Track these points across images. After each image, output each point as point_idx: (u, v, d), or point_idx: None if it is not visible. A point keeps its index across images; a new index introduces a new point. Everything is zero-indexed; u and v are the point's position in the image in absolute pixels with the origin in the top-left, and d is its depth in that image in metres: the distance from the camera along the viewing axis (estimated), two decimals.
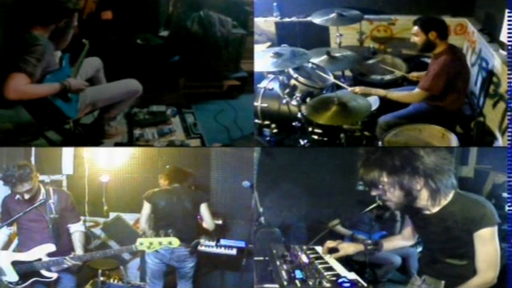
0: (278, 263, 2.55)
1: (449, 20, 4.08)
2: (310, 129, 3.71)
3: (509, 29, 3.01)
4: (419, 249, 3.18)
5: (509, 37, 3.02)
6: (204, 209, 3.43)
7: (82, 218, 3.27)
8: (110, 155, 3.89)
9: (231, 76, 4.24)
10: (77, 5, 3.11)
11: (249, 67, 3.97)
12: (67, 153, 3.92)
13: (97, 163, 3.91)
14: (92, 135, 3.52)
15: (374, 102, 3.65)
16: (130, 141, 3.59)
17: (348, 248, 2.71)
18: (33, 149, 3.71)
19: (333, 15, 4.13)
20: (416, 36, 3.42)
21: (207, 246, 3.61)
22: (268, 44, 4.58)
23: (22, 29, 2.94)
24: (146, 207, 3.39)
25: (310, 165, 3.93)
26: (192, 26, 4.01)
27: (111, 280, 3.60)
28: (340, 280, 2.30)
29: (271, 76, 3.94)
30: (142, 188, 3.53)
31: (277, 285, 2.36)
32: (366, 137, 3.71)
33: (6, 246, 3.17)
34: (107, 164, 3.90)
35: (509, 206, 2.92)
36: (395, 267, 3.59)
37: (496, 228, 2.17)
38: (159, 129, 3.68)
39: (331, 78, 3.82)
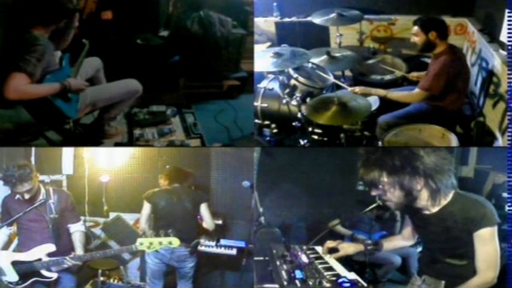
0: (278, 263, 2.55)
1: (449, 20, 4.07)
2: (310, 129, 3.71)
3: (509, 29, 3.01)
4: (419, 249, 3.18)
5: (509, 37, 3.02)
6: (204, 209, 3.43)
7: (82, 218, 3.27)
8: (110, 155, 3.89)
9: (231, 76, 4.24)
10: (77, 5, 3.11)
11: (249, 67, 3.97)
12: (67, 153, 3.92)
13: (97, 163, 3.91)
14: (92, 135, 3.52)
15: (374, 102, 3.65)
16: (130, 141, 3.59)
17: (348, 248, 2.71)
18: (33, 149, 3.71)
19: (333, 15, 4.13)
20: (416, 36, 3.42)
21: (207, 246, 3.61)
22: (268, 44, 4.58)
23: (22, 28, 2.94)
24: (146, 207, 3.39)
25: (310, 165, 3.93)
26: (192, 26, 4.01)
27: (111, 280, 3.60)
28: (340, 280, 2.29)
29: (271, 76, 3.94)
30: (142, 188, 3.53)
31: (277, 285, 2.36)
32: (366, 137, 3.71)
33: (6, 246, 3.17)
34: (107, 164, 3.90)
35: (509, 206, 2.92)
36: (395, 267, 3.59)
37: (495, 228, 2.17)
38: (159, 129, 3.68)
39: (331, 78, 3.82)
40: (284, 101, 3.64)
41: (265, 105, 3.84)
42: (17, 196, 2.99)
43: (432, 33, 3.35)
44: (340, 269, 2.52)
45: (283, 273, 2.41)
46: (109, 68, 3.55)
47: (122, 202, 3.95)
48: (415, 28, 3.41)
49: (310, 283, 2.28)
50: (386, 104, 3.59)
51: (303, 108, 3.56)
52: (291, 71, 3.77)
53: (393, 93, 3.58)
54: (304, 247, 2.84)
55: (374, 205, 2.67)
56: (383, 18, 4.62)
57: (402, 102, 3.54)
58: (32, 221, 3.03)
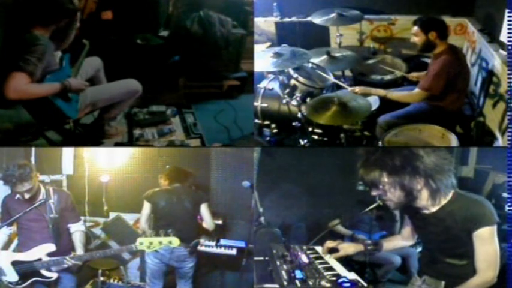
0: (278, 263, 2.55)
1: (449, 20, 4.07)
2: (310, 129, 3.71)
3: (509, 29, 3.01)
4: (419, 249, 3.18)
5: (509, 37, 3.02)
6: (204, 210, 3.43)
7: (82, 218, 3.26)
8: (110, 155, 3.89)
9: (231, 76, 4.24)
10: (77, 6, 3.10)
11: (249, 67, 3.97)
12: (67, 153, 3.93)
13: (97, 163, 3.91)
14: (92, 135, 3.52)
15: (374, 102, 3.65)
16: (130, 141, 3.59)
17: (347, 248, 2.71)
18: (33, 149, 3.71)
19: (333, 15, 4.13)
20: (416, 36, 3.42)
21: (207, 246, 3.61)
22: (268, 44, 4.58)
23: (23, 28, 2.94)
24: (146, 207, 3.39)
25: (310, 165, 3.93)
26: (192, 26, 4.01)
27: (111, 280, 3.60)
28: (340, 280, 2.29)
29: (271, 76, 3.94)
30: (142, 188, 3.53)
31: (277, 285, 2.35)
32: (366, 137, 3.71)
33: (6, 246, 3.17)
34: (107, 164, 3.90)
35: (509, 206, 2.92)
36: (395, 267, 3.59)
37: (495, 227, 2.17)
38: (159, 129, 3.68)
39: (331, 78, 3.82)
40: (284, 101, 3.64)
41: (265, 105, 3.84)
42: (17, 196, 2.99)
43: (432, 33, 3.35)
44: (340, 269, 2.52)
45: (283, 273, 2.41)
46: (109, 68, 3.55)
47: (122, 202, 3.95)
48: (415, 28, 3.41)
49: (310, 283, 2.28)
50: (387, 104, 3.59)
51: (303, 108, 3.56)
52: (291, 71, 3.77)
53: (393, 93, 3.58)
54: (304, 247, 2.84)
55: (374, 205, 2.67)
56: (383, 18, 4.62)
57: (402, 102, 3.54)
58: (32, 221, 3.03)
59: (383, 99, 3.62)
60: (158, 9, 4.15)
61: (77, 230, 3.12)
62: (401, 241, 2.72)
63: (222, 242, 3.66)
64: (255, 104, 3.85)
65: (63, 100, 3.07)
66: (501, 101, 3.39)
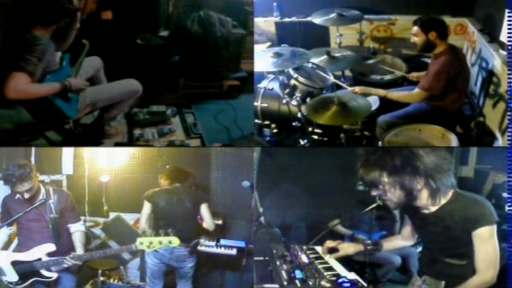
0: (278, 263, 2.55)
1: (449, 20, 4.07)
2: (310, 129, 3.71)
3: (509, 29, 3.01)
4: (419, 249, 3.18)
5: (509, 37, 3.02)
6: (204, 210, 3.43)
7: (82, 218, 3.26)
8: (110, 155, 3.89)
9: (231, 76, 4.24)
10: (77, 6, 3.10)
11: (249, 67, 3.97)
12: (67, 153, 3.92)
13: (97, 163, 3.91)
14: (92, 135, 3.53)
15: (374, 102, 3.65)
16: (130, 141, 3.59)
17: (347, 248, 2.71)
18: (33, 149, 3.71)
19: (333, 15, 4.13)
20: (416, 36, 3.42)
21: (207, 246, 3.61)
22: (268, 44, 4.58)
23: (23, 28, 2.94)
24: (146, 207, 3.39)
25: (310, 165, 3.93)
26: (192, 26, 4.01)
27: (111, 280, 3.60)
28: (340, 280, 2.29)
29: (271, 76, 3.94)
30: (142, 188, 3.53)
31: (277, 285, 2.35)
32: (366, 137, 3.71)
33: (6, 246, 3.17)
34: (107, 164, 3.90)
35: (509, 206, 2.92)
36: (395, 267, 3.59)
37: (494, 227, 2.17)
38: (159, 129, 3.68)
39: (331, 78, 3.82)
40: (284, 101, 3.64)
41: (265, 105, 3.84)
42: (17, 196, 3.00)
43: (432, 34, 3.35)
44: (340, 269, 2.52)
45: (283, 273, 2.41)
46: (109, 68, 3.56)
47: (122, 202, 3.95)
48: (415, 28, 3.41)
49: (310, 283, 2.28)
50: (387, 104, 3.59)
51: (303, 108, 3.56)
52: (291, 71, 3.77)
53: (393, 93, 3.58)
54: (304, 247, 2.84)
55: (374, 205, 2.67)
56: (383, 18, 4.62)
57: (402, 102, 3.54)
58: (32, 221, 3.03)
59: (383, 99, 3.62)
60: (158, 9, 4.15)
61: (77, 230, 3.12)
62: (401, 241, 2.72)
63: (222, 242, 3.66)
64: (255, 104, 3.85)
65: (63, 100, 3.07)
66: (501, 101, 3.39)
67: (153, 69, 3.92)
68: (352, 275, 2.39)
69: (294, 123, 3.63)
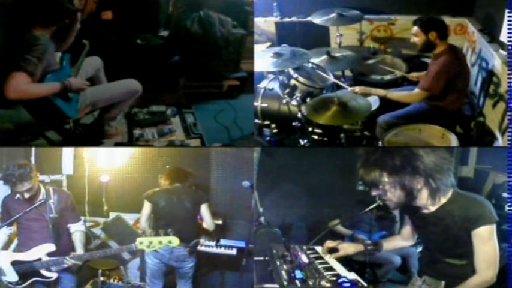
0: (278, 263, 2.55)
1: (449, 20, 4.08)
2: (310, 129, 3.71)
3: (509, 29, 3.01)
4: (419, 249, 3.18)
5: (509, 37, 3.02)
6: (204, 210, 3.42)
7: (82, 218, 3.26)
8: (110, 155, 3.89)
9: (231, 76, 4.24)
10: (77, 6, 3.10)
11: (249, 67, 3.97)
12: (67, 153, 3.93)
13: (97, 163, 3.91)
14: (92, 135, 3.53)
15: (374, 102, 3.65)
16: (130, 141, 3.59)
17: (347, 248, 2.71)
18: (33, 149, 3.71)
19: (333, 15, 4.13)
20: (416, 36, 3.42)
21: (207, 246, 3.62)
22: (268, 44, 4.58)
23: (23, 28, 2.94)
24: (147, 207, 3.38)
25: (310, 165, 3.93)
26: (192, 26, 4.01)
27: (111, 280, 3.60)
28: (340, 280, 2.29)
29: (271, 76, 3.94)
30: (142, 188, 3.53)
31: (277, 285, 2.35)
32: (366, 137, 3.71)
33: (6, 246, 3.16)
34: (107, 164, 3.90)
35: (509, 206, 2.92)
36: (395, 267, 3.59)
37: (494, 226, 2.16)
38: (159, 129, 3.68)
39: (331, 78, 3.82)
40: (284, 101, 3.64)
41: (265, 105, 3.84)
42: (17, 196, 3.00)
43: (432, 34, 3.35)
44: (340, 269, 2.52)
45: (283, 273, 2.41)
46: (109, 68, 3.56)
47: (122, 202, 3.95)
48: (415, 28, 3.41)
49: (310, 283, 2.28)
50: (387, 104, 3.59)
51: (303, 108, 3.56)
52: (291, 71, 3.77)
53: (393, 93, 3.58)
54: (304, 247, 2.84)
55: (374, 205, 2.67)
56: (383, 18, 4.63)
57: (402, 102, 3.54)
58: (32, 221, 3.03)
59: (383, 99, 3.62)
60: (158, 9, 4.16)
61: (77, 230, 3.12)
62: (401, 241, 2.72)
63: (222, 242, 3.66)
64: (255, 104, 3.85)
65: (63, 100, 3.07)
66: (501, 101, 3.39)
67: (153, 69, 3.92)
68: (352, 275, 2.39)
69: (294, 123, 3.63)
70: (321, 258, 2.68)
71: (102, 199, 3.91)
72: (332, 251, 2.71)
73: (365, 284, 2.29)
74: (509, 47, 3.04)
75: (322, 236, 2.91)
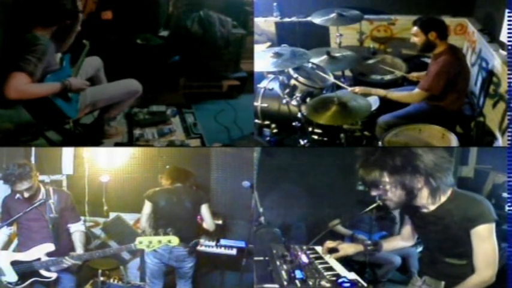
0: (278, 263, 2.55)
1: (449, 20, 4.08)
2: (310, 129, 3.71)
3: (509, 29, 3.01)
4: (419, 249, 3.18)
5: (509, 37, 3.02)
6: (205, 210, 3.42)
7: (82, 218, 3.26)
8: (110, 155, 3.89)
9: (231, 76, 4.24)
10: (78, 7, 3.10)
11: (249, 67, 3.97)
12: (67, 153, 3.92)
13: (97, 163, 3.91)
14: (92, 135, 3.53)
15: (374, 102, 3.65)
16: (130, 141, 3.59)
17: (347, 249, 2.71)
18: (33, 149, 3.71)
19: (333, 15, 4.13)
20: (416, 36, 3.42)
21: (207, 246, 3.62)
22: (268, 44, 4.58)
23: (23, 28, 2.94)
24: (147, 206, 3.38)
25: (310, 165, 3.93)
26: (192, 26, 4.01)
27: (111, 280, 3.60)
28: (340, 280, 2.29)
29: (271, 76, 3.94)
30: (142, 188, 3.52)
31: (277, 285, 2.35)
32: (366, 137, 3.71)
33: (6, 246, 3.16)
34: (107, 164, 3.90)
35: (509, 206, 2.92)
36: (395, 267, 3.59)
37: (493, 225, 2.16)
38: (159, 129, 3.68)
39: (331, 78, 3.82)
40: (284, 101, 3.64)
41: (265, 105, 3.84)
42: (17, 195, 3.00)
43: (432, 34, 3.35)
44: (340, 269, 2.52)
45: (283, 273, 2.41)
46: (109, 68, 3.56)
47: (122, 202, 3.95)
48: (415, 28, 3.41)
49: (310, 283, 2.28)
50: (387, 104, 3.59)
51: (303, 108, 3.56)
52: (291, 71, 3.77)
53: (393, 93, 3.58)
54: (304, 247, 2.84)
55: (374, 205, 2.66)
56: (383, 18, 4.63)
57: (402, 102, 3.54)
58: (32, 221, 3.03)
59: (383, 99, 3.62)
60: (158, 9, 4.16)
61: (77, 230, 3.12)
62: (401, 242, 2.72)
63: (222, 242, 3.66)
64: (255, 104, 3.85)
65: (63, 100, 3.07)
66: (501, 101, 3.39)
67: (153, 69, 3.92)
68: (352, 275, 2.39)
69: (294, 123, 3.63)
70: (321, 258, 2.68)
71: (102, 199, 3.90)
72: (332, 251, 2.71)
73: (365, 284, 2.29)
74: (509, 47, 3.04)
75: (322, 236, 2.91)
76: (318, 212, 3.86)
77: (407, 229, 2.64)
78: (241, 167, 3.79)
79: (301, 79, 3.75)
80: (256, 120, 3.88)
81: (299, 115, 3.59)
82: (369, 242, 2.73)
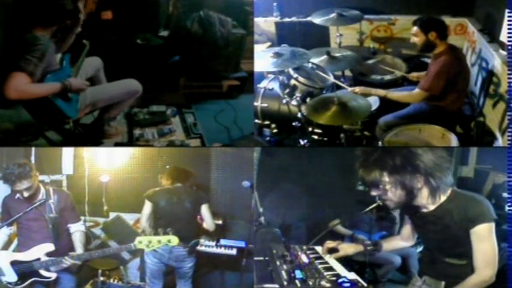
0: (278, 263, 2.55)
1: (449, 20, 4.08)
2: (310, 129, 3.71)
3: (509, 29, 3.01)
4: (419, 249, 3.18)
5: (509, 37, 3.01)
6: (205, 210, 3.42)
7: (82, 218, 3.26)
8: (110, 155, 3.89)
9: (231, 76, 4.24)
10: (79, 8, 3.10)
11: (249, 67, 3.98)
12: (67, 153, 3.93)
13: (97, 163, 3.91)
14: (92, 135, 3.53)
15: (374, 102, 3.65)
16: (130, 141, 3.59)
17: (347, 249, 2.71)
18: (33, 149, 3.71)
19: (333, 15, 4.13)
20: (416, 36, 3.42)
21: (207, 246, 3.61)
22: (268, 44, 4.59)
23: (23, 28, 2.94)
24: (147, 206, 3.38)
25: (310, 165, 3.93)
26: (192, 26, 4.01)
27: (111, 280, 3.60)
28: (340, 280, 2.29)
29: (271, 76, 3.94)
30: (142, 188, 3.52)
31: (277, 285, 2.35)
32: (366, 137, 3.71)
33: (6, 246, 3.16)
34: (107, 164, 3.90)
35: (509, 206, 2.92)
36: (396, 267, 3.59)
37: (493, 224, 2.16)
38: (159, 129, 3.68)
39: (331, 78, 3.82)
40: (284, 101, 3.64)
41: (265, 105, 3.84)
42: (17, 195, 3.00)
43: (432, 34, 3.35)
44: (340, 269, 2.52)
45: (283, 273, 2.41)
46: (109, 68, 3.56)
47: (122, 202, 3.95)
48: (415, 28, 3.41)
49: (310, 283, 2.28)
50: (387, 104, 3.59)
51: (303, 108, 3.56)
52: (291, 71, 3.77)
53: (393, 93, 3.58)
54: (304, 247, 2.84)
55: (374, 205, 2.66)
56: (383, 18, 4.63)
57: (402, 103, 3.54)
58: (32, 221, 3.03)
59: (383, 99, 3.62)
60: (158, 9, 4.16)
61: (76, 230, 3.12)
62: (401, 242, 2.73)
63: (222, 242, 3.66)
64: (255, 104, 3.85)
65: (63, 100, 3.07)
66: (501, 101, 3.39)
67: (153, 69, 3.92)
68: (352, 275, 2.39)
69: (294, 123, 3.63)
70: (321, 258, 2.68)
71: (102, 199, 3.90)
72: (332, 251, 2.71)
73: (365, 284, 2.29)
74: (509, 47, 3.04)
75: (322, 236, 2.91)
76: (318, 212, 3.86)
77: (407, 229, 2.64)
78: (241, 167, 3.79)
79: (301, 79, 3.75)
80: (256, 120, 3.88)
81: (299, 115, 3.59)
82: (369, 242, 2.73)
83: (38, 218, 3.02)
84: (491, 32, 3.85)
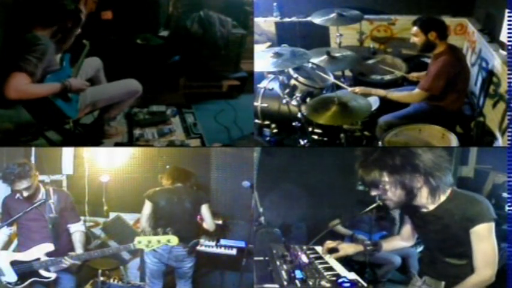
0: (278, 263, 2.55)
1: (449, 20, 4.08)
2: (310, 129, 3.71)
3: (509, 29, 3.01)
4: (419, 249, 3.18)
5: (509, 37, 3.01)
6: (205, 210, 3.42)
7: (82, 218, 3.26)
8: (110, 155, 3.89)
9: (231, 76, 4.24)
10: (80, 8, 3.09)
11: (249, 67, 3.98)
12: (67, 153, 3.93)
13: (97, 163, 3.91)
14: (92, 135, 3.53)
15: (374, 102, 3.65)
16: (130, 141, 3.59)
17: (347, 249, 2.71)
18: (33, 149, 3.72)
19: (333, 15, 4.13)
20: (416, 36, 3.42)
21: (207, 246, 3.61)
22: (268, 44, 4.59)
23: (23, 28, 2.94)
24: (147, 206, 3.38)
25: (310, 165, 3.93)
26: (192, 26, 4.01)
27: (111, 280, 3.60)
28: (340, 280, 2.29)
29: (271, 76, 3.94)
30: (142, 188, 3.52)
31: (277, 285, 2.35)
32: (366, 137, 3.71)
33: (6, 246, 3.16)
34: (107, 164, 3.90)
35: (509, 206, 2.92)
36: (395, 267, 3.59)
37: (492, 224, 2.16)
38: (159, 129, 3.68)
39: (331, 78, 3.82)
40: (284, 101, 3.64)
41: (265, 105, 3.84)
42: (17, 195, 3.00)
43: (432, 34, 3.35)
44: (340, 269, 2.52)
45: (283, 273, 2.41)
46: (109, 68, 3.56)
47: (122, 202, 3.95)
48: (415, 28, 3.41)
49: (310, 283, 2.28)
50: (387, 104, 3.59)
51: (303, 108, 3.56)
52: (291, 71, 3.77)
53: (393, 93, 3.58)
54: (304, 247, 2.83)
55: (374, 205, 2.66)
56: (383, 18, 4.63)
57: (402, 103, 3.54)
58: (32, 221, 3.03)
59: (383, 99, 3.62)
60: (158, 9, 4.16)
61: (76, 230, 3.12)
62: (401, 242, 2.72)
63: (222, 242, 3.66)
64: (255, 104, 3.85)
65: (63, 100, 3.07)
66: (501, 101, 3.39)
67: (153, 69, 3.92)
68: (352, 275, 2.39)
69: (294, 123, 3.63)
70: (321, 258, 2.68)
71: (102, 199, 3.91)
72: (332, 251, 2.71)
73: (365, 284, 2.29)
74: (509, 47, 3.04)
75: (322, 236, 2.90)
76: (318, 212, 3.86)
77: (407, 229, 2.64)
78: (241, 167, 3.79)
79: (301, 79, 3.75)
80: (256, 120, 3.88)
81: (299, 115, 3.59)
82: (369, 242, 2.73)
83: (37, 218, 3.02)
84: (491, 32, 3.85)
